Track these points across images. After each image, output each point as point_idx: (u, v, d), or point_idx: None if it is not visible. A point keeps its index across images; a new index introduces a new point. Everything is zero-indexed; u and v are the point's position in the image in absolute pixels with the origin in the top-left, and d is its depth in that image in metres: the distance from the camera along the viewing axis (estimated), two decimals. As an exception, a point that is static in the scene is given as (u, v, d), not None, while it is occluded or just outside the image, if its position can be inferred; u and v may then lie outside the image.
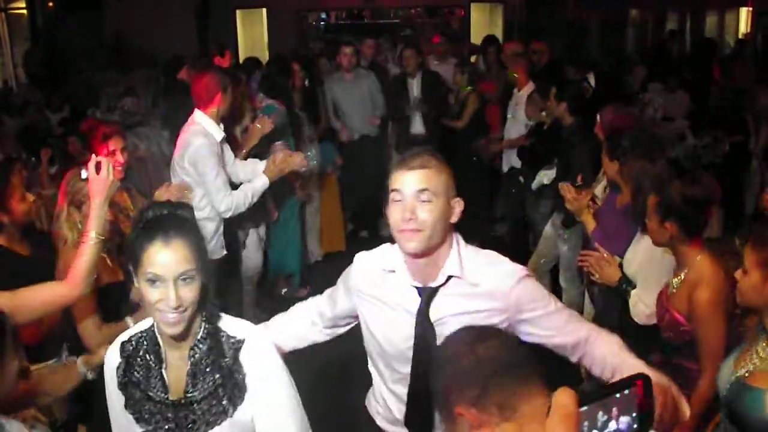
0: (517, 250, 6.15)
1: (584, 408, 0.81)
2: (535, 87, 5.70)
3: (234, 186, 4.20)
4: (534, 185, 5.26)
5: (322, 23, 17.33)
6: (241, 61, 11.98)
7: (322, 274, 6.55)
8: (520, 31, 13.51)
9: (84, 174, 2.55)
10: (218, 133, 4.00)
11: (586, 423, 0.82)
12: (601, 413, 0.83)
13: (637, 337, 3.01)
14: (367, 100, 7.05)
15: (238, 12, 14.52)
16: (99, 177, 2.46)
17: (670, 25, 13.07)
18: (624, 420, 0.85)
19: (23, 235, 3.07)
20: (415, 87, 6.90)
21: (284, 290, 6.18)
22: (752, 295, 2.20)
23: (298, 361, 2.35)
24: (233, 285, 5.05)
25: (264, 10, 14.52)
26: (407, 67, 6.91)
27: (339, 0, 15.58)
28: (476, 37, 12.83)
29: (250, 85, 5.82)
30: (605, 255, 3.25)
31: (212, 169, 3.93)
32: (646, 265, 3.15)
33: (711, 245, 2.81)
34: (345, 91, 7.06)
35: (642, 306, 3.09)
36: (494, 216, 7.21)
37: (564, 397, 0.77)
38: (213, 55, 6.22)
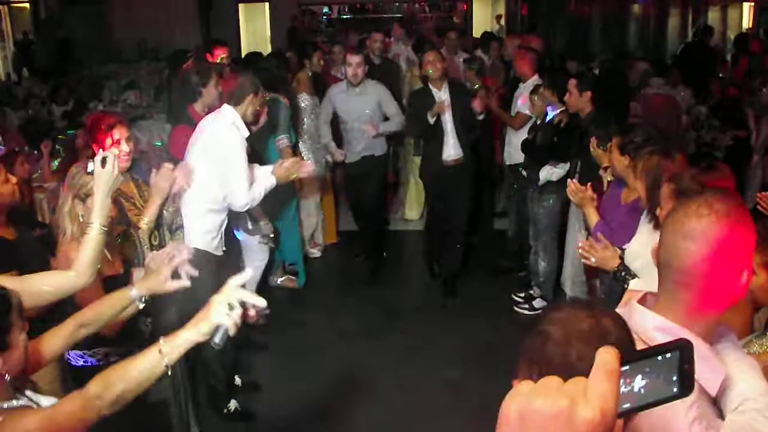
0: (518, 245, 6.20)
1: (626, 368, 0.82)
2: (543, 80, 5.64)
3: None
4: (541, 181, 5.23)
5: (324, 17, 17.34)
6: (243, 55, 12.05)
7: (322, 265, 6.61)
8: (521, 24, 13.52)
9: (90, 167, 2.63)
10: (245, 130, 4.08)
11: (625, 383, 0.83)
12: (640, 376, 0.84)
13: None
14: (375, 116, 6.10)
15: (240, 6, 14.53)
16: (104, 170, 2.55)
17: (671, 20, 13.05)
18: (664, 383, 0.86)
19: (9, 219, 3.12)
20: (443, 96, 5.62)
21: (279, 279, 6.20)
22: (759, 294, 2.24)
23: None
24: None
25: (266, 4, 14.53)
26: (432, 75, 5.60)
27: (342, -6, 15.60)
28: (478, 32, 12.84)
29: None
30: (603, 242, 3.24)
31: (241, 163, 4.00)
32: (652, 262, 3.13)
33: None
34: (349, 104, 6.09)
35: None
36: (496, 211, 7.22)
37: (608, 354, 0.77)
38: (205, 55, 6.11)
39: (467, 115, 5.61)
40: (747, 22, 12.97)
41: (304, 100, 6.33)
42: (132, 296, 2.45)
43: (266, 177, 4.20)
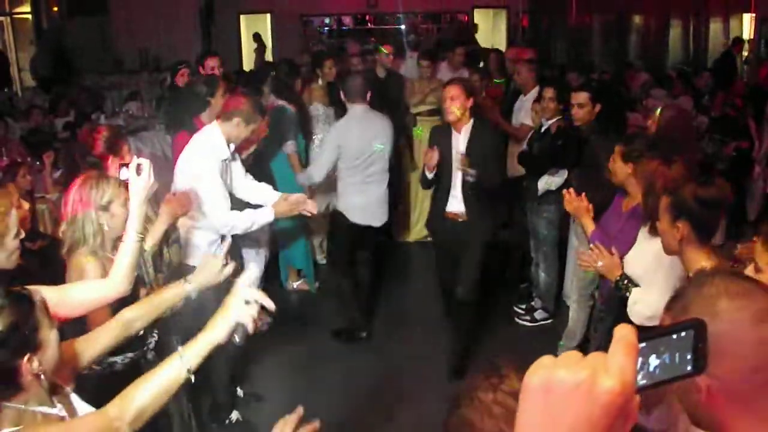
0: (520, 256, 6.19)
1: (642, 345, 0.84)
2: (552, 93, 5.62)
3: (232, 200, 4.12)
4: (540, 191, 5.22)
5: (325, 28, 17.37)
6: (244, 65, 12.11)
7: (328, 273, 6.60)
8: (522, 36, 13.56)
9: (124, 174, 2.64)
10: (224, 151, 3.96)
11: (641, 360, 0.85)
12: (655, 355, 0.87)
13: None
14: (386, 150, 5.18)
15: (242, 17, 14.59)
16: (140, 178, 2.57)
17: (673, 30, 13.09)
18: (678, 361, 0.88)
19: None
20: (461, 142, 4.59)
21: (296, 283, 6.22)
22: None
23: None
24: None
25: (268, 15, 14.58)
26: (450, 118, 4.58)
27: (343, 5, 15.62)
28: (480, 43, 12.85)
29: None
30: (605, 250, 3.25)
31: (212, 185, 3.88)
32: (654, 268, 3.14)
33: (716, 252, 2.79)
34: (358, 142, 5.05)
35: (641, 306, 3.08)
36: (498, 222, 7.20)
37: (626, 330, 0.79)
38: (198, 67, 6.06)
39: (484, 162, 4.48)
40: (748, 33, 13.00)
41: (317, 110, 6.26)
42: (187, 290, 2.44)
43: (265, 212, 4.09)
